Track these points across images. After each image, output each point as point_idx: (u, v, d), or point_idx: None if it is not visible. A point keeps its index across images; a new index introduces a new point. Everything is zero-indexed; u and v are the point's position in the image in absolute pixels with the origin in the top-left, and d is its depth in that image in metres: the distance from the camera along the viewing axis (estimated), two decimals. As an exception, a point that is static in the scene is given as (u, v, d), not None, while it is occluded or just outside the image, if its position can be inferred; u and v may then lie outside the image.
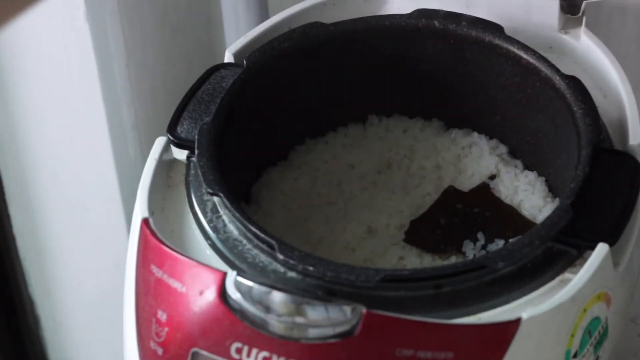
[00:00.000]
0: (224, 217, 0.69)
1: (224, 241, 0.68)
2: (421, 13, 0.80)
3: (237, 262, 0.67)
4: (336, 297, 0.61)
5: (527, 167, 0.81)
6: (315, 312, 0.60)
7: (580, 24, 0.82)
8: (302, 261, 0.63)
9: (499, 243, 0.75)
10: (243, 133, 0.77)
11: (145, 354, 0.66)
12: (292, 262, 0.64)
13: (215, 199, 0.70)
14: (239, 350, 0.61)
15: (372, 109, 0.85)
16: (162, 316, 0.64)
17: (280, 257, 0.64)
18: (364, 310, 0.60)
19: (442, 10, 0.80)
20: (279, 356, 0.61)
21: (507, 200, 0.78)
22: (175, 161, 0.74)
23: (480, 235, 0.76)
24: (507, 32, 0.78)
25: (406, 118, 0.85)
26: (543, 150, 0.79)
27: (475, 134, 0.83)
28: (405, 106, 0.84)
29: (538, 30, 0.82)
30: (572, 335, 0.63)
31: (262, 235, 0.66)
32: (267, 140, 0.80)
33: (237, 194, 0.74)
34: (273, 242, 0.65)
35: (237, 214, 0.67)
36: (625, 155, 0.70)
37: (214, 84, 0.77)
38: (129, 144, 0.95)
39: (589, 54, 0.81)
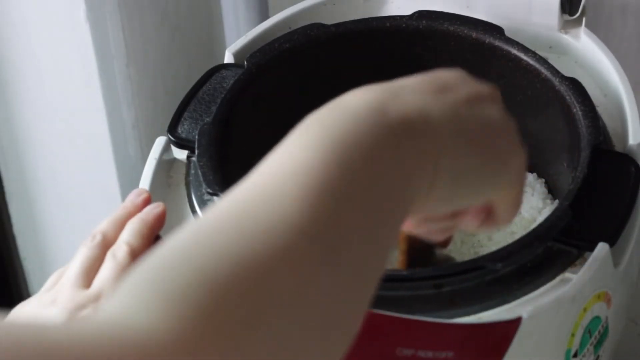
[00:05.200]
0: (225, 217, 0.69)
1: (224, 241, 0.68)
2: (422, 14, 0.80)
3: (237, 262, 0.66)
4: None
5: (527, 168, 0.81)
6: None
7: (580, 24, 0.82)
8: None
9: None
10: (243, 133, 0.77)
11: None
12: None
13: (216, 198, 0.70)
14: (239, 350, 0.61)
15: (373, 109, 0.85)
16: (163, 316, 0.64)
17: (281, 256, 0.64)
18: (364, 309, 0.60)
19: (442, 11, 0.80)
20: (279, 356, 0.60)
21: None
22: (175, 161, 0.74)
23: None
24: (508, 32, 0.78)
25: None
26: (543, 151, 0.79)
27: (476, 134, 0.83)
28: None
29: (538, 30, 0.82)
30: (573, 335, 0.63)
31: (263, 235, 0.66)
32: (267, 140, 0.80)
33: (238, 194, 0.74)
34: (273, 241, 0.65)
35: (238, 214, 0.67)
36: (624, 157, 0.70)
37: (215, 85, 0.77)
38: (129, 144, 0.94)
39: (589, 53, 0.81)
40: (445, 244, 0.59)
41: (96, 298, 0.60)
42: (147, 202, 0.67)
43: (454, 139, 0.48)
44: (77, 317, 0.59)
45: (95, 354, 0.34)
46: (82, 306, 0.60)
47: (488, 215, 0.53)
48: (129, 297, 0.37)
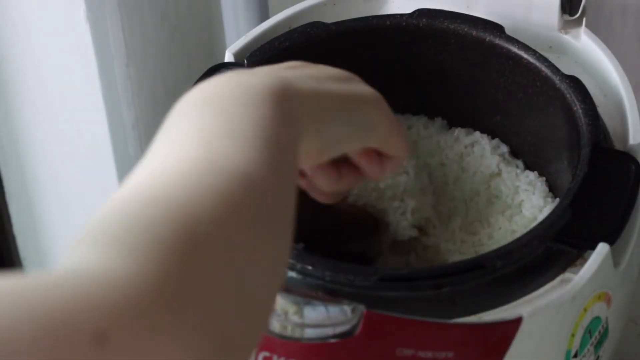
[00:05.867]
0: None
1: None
2: (422, 13, 0.80)
3: (237, 262, 0.66)
4: (336, 297, 0.61)
5: (528, 166, 0.81)
6: (316, 312, 0.60)
7: (580, 24, 0.82)
8: (301, 260, 0.63)
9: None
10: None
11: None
12: (291, 261, 0.64)
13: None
14: (239, 350, 0.61)
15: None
16: (163, 316, 0.64)
17: (281, 256, 0.64)
18: (364, 310, 0.60)
19: (442, 10, 0.80)
20: (279, 356, 0.61)
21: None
22: (175, 161, 0.74)
23: None
24: (508, 32, 0.78)
25: (410, 115, 0.85)
26: (544, 149, 0.79)
27: (477, 133, 0.83)
28: (407, 105, 0.84)
29: (538, 30, 0.82)
30: (573, 335, 0.63)
31: (263, 235, 0.65)
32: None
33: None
34: (273, 241, 0.65)
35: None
36: (625, 155, 0.70)
37: (215, 84, 0.77)
38: (129, 144, 0.94)
39: (589, 53, 0.81)
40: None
41: None
42: None
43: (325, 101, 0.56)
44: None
45: (78, 303, 0.34)
46: None
47: (381, 160, 0.62)
48: (100, 248, 0.38)
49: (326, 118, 0.57)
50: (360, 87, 0.61)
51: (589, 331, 0.64)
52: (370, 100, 0.61)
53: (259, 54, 0.78)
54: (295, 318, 0.60)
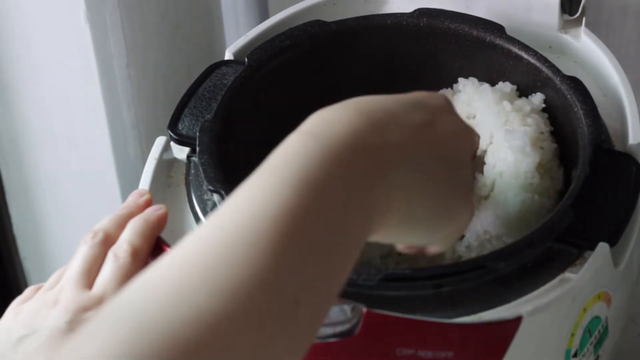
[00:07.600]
0: (225, 217, 0.69)
1: (224, 241, 0.68)
2: (422, 12, 0.80)
3: (237, 262, 0.66)
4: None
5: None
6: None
7: (580, 24, 0.82)
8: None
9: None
10: (244, 130, 0.77)
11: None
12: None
13: (216, 197, 0.69)
14: (239, 350, 0.61)
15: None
16: (163, 315, 0.64)
17: (281, 256, 0.64)
18: (364, 309, 0.60)
19: (443, 9, 0.80)
20: (279, 355, 0.60)
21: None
22: (175, 161, 0.74)
23: None
24: (507, 31, 0.78)
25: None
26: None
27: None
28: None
29: (538, 30, 0.82)
30: (572, 335, 0.63)
31: (263, 235, 0.65)
32: (268, 137, 0.80)
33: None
34: (273, 241, 0.65)
35: (238, 214, 0.67)
36: (626, 156, 0.70)
37: (215, 81, 0.77)
38: (129, 144, 0.95)
39: (589, 53, 0.81)
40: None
41: (99, 300, 0.61)
42: (149, 203, 0.67)
43: (419, 187, 0.50)
44: (81, 319, 0.60)
45: None
46: (85, 308, 0.60)
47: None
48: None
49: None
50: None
51: (588, 331, 0.64)
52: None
53: (259, 52, 0.78)
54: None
